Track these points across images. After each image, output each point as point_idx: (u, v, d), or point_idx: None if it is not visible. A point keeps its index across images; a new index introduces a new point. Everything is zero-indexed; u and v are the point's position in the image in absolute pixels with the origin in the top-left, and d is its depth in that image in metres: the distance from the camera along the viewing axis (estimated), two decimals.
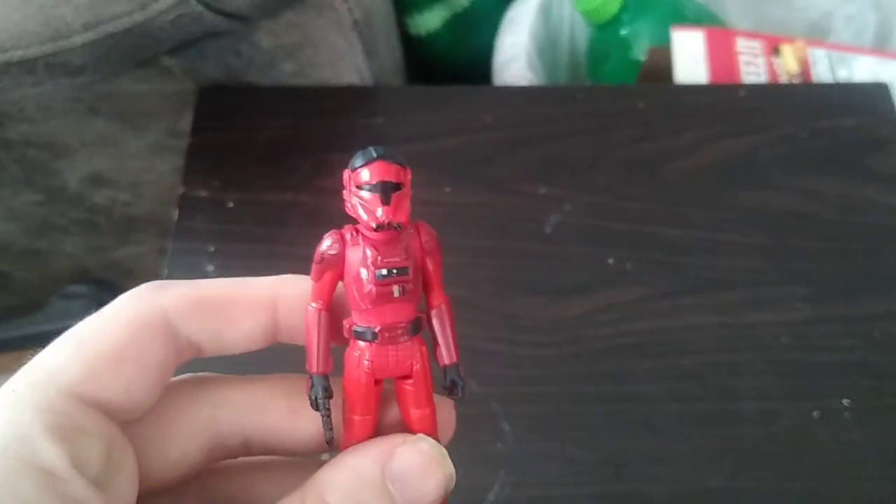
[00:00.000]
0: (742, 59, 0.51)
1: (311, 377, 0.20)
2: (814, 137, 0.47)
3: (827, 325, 0.41)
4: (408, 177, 0.19)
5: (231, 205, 0.44)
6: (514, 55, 0.55)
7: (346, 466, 0.18)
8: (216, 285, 0.20)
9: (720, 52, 0.51)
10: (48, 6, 0.37)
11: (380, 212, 0.18)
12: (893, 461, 0.37)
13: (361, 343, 0.19)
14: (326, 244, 0.20)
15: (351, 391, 0.20)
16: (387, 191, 0.18)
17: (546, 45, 0.59)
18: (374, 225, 0.18)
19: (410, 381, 0.20)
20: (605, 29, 0.58)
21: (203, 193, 0.44)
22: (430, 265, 0.20)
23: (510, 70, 0.55)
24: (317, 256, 0.20)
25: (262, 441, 0.20)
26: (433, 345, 0.21)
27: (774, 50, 0.52)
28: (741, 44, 0.52)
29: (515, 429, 0.38)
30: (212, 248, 0.43)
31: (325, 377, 0.20)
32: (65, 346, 0.18)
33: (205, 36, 0.43)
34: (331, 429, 0.20)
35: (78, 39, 0.38)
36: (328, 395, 0.19)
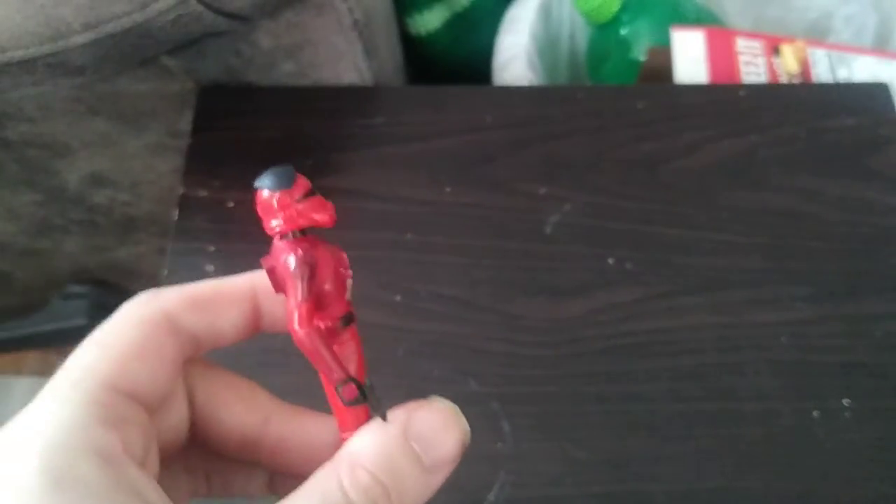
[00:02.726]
0: (742, 59, 0.51)
1: (360, 387, 0.20)
2: (814, 137, 0.47)
3: (827, 325, 0.41)
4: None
5: (231, 205, 0.44)
6: (515, 55, 0.55)
7: (372, 432, 0.19)
8: (202, 284, 0.21)
9: (720, 52, 0.51)
10: (48, 6, 0.37)
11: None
12: (893, 461, 0.37)
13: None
14: (299, 256, 0.21)
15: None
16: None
17: (546, 45, 0.59)
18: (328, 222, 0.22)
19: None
20: (605, 29, 0.58)
21: (203, 193, 0.44)
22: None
23: (510, 70, 0.55)
24: (302, 271, 0.21)
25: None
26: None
27: (774, 50, 0.52)
28: (741, 44, 0.52)
29: (515, 429, 0.38)
30: (212, 248, 0.43)
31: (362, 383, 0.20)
32: (90, 348, 0.19)
33: (205, 36, 0.43)
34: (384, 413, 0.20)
35: (78, 39, 0.38)
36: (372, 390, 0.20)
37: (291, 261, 0.20)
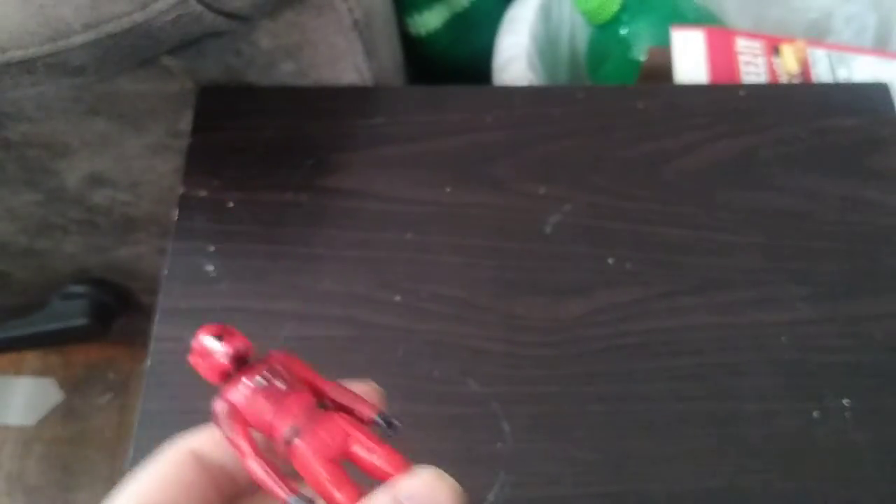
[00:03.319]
0: (742, 59, 0.51)
1: None
2: (814, 137, 0.47)
3: (827, 325, 0.41)
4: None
5: (231, 205, 0.44)
6: (515, 55, 0.55)
7: None
8: None
9: (720, 52, 0.51)
10: (48, 6, 0.37)
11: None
12: (893, 462, 0.37)
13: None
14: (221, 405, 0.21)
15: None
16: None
17: (546, 45, 0.59)
18: (225, 361, 0.21)
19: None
20: (605, 29, 0.58)
21: (203, 193, 0.44)
22: (298, 371, 0.22)
23: (510, 70, 0.55)
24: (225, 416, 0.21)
25: None
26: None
27: (774, 50, 0.52)
28: (741, 44, 0.52)
29: (515, 429, 0.38)
30: (211, 248, 0.43)
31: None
32: (125, 484, 0.21)
33: (205, 36, 0.43)
34: None
35: (78, 39, 0.38)
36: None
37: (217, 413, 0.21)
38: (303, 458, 0.20)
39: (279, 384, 0.21)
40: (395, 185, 0.45)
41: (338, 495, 0.19)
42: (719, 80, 0.51)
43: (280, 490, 0.19)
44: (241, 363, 0.21)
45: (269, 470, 0.20)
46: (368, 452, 0.20)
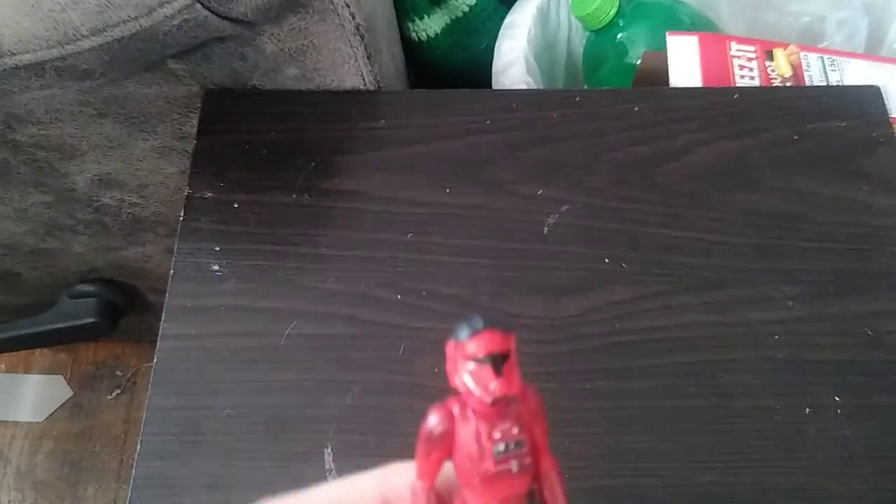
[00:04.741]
0: (736, 63, 0.52)
1: None
2: (806, 140, 0.47)
3: (819, 323, 0.41)
4: (513, 343, 0.18)
5: (236, 206, 0.45)
6: (513, 59, 0.56)
7: None
8: (320, 497, 0.19)
9: (714, 56, 0.52)
10: (56, 11, 0.37)
11: (493, 386, 0.17)
12: (883, 457, 0.38)
13: None
14: (434, 421, 0.18)
15: None
16: (497, 363, 0.17)
17: (544, 50, 0.60)
18: (489, 400, 0.17)
19: None
20: (601, 34, 0.59)
21: (209, 194, 0.45)
22: (538, 431, 0.19)
23: (509, 74, 0.56)
24: (424, 434, 0.18)
25: None
26: None
27: (768, 54, 0.52)
28: (735, 48, 0.52)
29: None
30: (217, 248, 0.43)
31: None
32: None
33: (210, 41, 0.43)
34: None
35: (86, 44, 0.38)
36: None
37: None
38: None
39: (512, 465, 0.18)
40: (397, 186, 0.46)
41: None
42: (713, 83, 0.51)
43: None
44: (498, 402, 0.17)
45: None
46: None
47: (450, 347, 0.18)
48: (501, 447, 0.17)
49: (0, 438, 0.90)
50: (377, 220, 0.44)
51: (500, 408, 0.18)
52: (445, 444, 0.18)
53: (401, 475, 0.19)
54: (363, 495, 0.19)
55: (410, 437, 0.20)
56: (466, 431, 0.18)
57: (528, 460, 0.18)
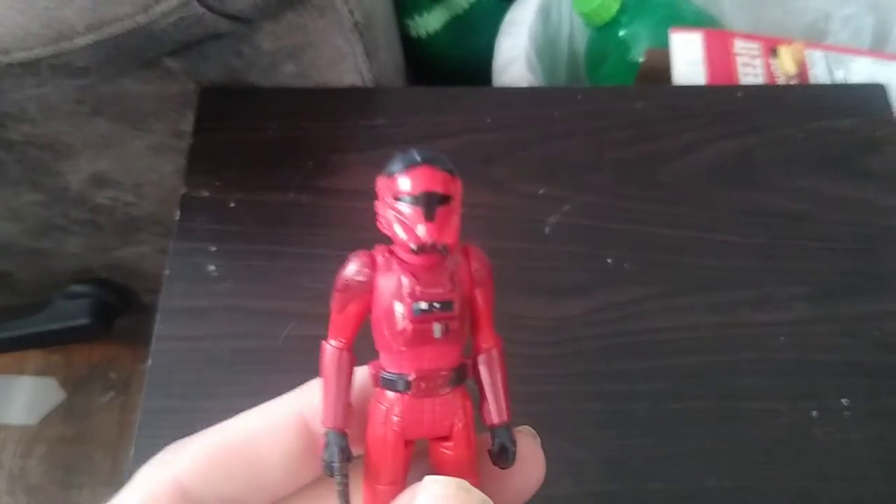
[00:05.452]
0: (740, 60, 0.51)
1: (325, 434, 0.16)
2: (811, 138, 0.47)
3: (825, 324, 0.41)
4: (458, 188, 0.16)
5: (232, 205, 0.44)
6: (514, 57, 0.55)
7: None
8: (232, 428, 0.18)
9: (718, 53, 0.52)
10: (51, 8, 0.37)
11: (421, 230, 0.15)
12: (891, 461, 0.38)
13: (390, 394, 0.16)
14: (352, 268, 0.16)
15: (375, 454, 0.16)
16: (431, 204, 0.15)
17: (545, 47, 0.59)
18: (413, 246, 0.15)
19: (450, 443, 0.16)
20: (603, 31, 0.59)
21: (204, 194, 0.45)
22: (479, 299, 0.17)
23: (510, 71, 0.55)
24: (340, 283, 0.16)
25: None
26: (479, 398, 0.17)
27: (772, 51, 0.52)
28: (739, 45, 0.52)
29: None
30: (213, 248, 0.43)
31: (344, 435, 0.16)
32: None
33: (207, 38, 0.43)
34: (348, 501, 0.16)
35: (81, 41, 0.38)
36: (346, 458, 0.16)
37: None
38: (382, 418, 0.15)
39: (435, 328, 0.15)
40: None
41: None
42: (717, 81, 0.51)
43: (331, 413, 0.15)
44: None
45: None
46: (455, 466, 0.16)
47: (380, 183, 0.16)
48: (423, 305, 0.15)
49: None
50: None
51: (429, 260, 0.15)
52: (363, 297, 0.16)
53: (318, 391, 0.17)
54: (280, 414, 0.17)
55: None
56: (387, 283, 0.15)
57: (454, 325, 0.15)
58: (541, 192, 0.45)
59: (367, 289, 0.16)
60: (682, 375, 0.40)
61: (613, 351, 0.40)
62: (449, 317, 0.15)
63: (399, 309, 0.15)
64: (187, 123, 0.48)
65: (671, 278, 0.42)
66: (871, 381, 0.39)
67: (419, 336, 0.15)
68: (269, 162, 0.46)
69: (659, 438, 0.38)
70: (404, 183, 0.15)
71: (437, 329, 0.15)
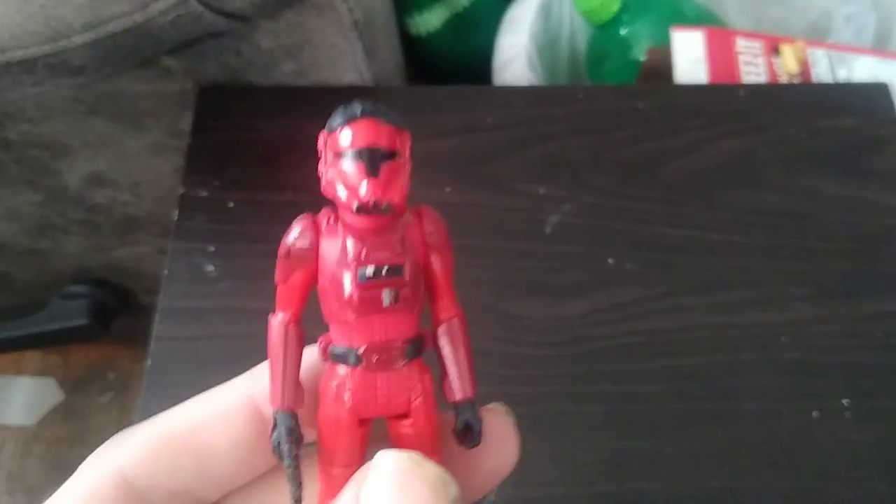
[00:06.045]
0: (742, 59, 0.51)
1: (274, 415, 0.15)
2: (813, 137, 0.47)
3: (827, 324, 0.41)
4: (405, 142, 0.14)
5: (231, 204, 0.44)
6: (514, 55, 0.55)
7: None
8: (178, 417, 0.16)
9: (720, 52, 0.51)
10: (48, 6, 0.37)
11: (364, 188, 0.13)
12: (893, 461, 0.37)
13: (341, 369, 0.15)
14: (294, 234, 0.15)
15: (328, 434, 0.15)
16: (375, 160, 0.14)
17: (546, 45, 0.59)
18: (355, 206, 0.13)
19: (409, 421, 0.15)
20: (604, 29, 0.58)
21: (203, 193, 0.44)
22: (435, 265, 0.15)
23: (510, 70, 0.55)
24: (282, 250, 0.15)
25: None
26: (440, 373, 0.16)
27: (774, 50, 0.52)
28: (741, 44, 0.52)
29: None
30: (212, 248, 0.43)
31: (293, 415, 0.15)
32: None
33: (205, 36, 0.43)
34: (300, 485, 0.14)
35: (78, 39, 0.38)
36: (295, 439, 0.14)
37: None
38: (333, 395, 0.14)
39: (384, 295, 0.14)
40: None
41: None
42: (719, 80, 0.51)
43: (279, 392, 0.14)
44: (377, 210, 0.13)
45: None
46: (415, 445, 0.14)
47: (321, 140, 0.15)
48: (370, 270, 0.14)
49: None
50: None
51: (375, 222, 0.14)
52: (307, 264, 0.15)
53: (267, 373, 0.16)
54: (228, 400, 0.16)
55: None
56: (331, 248, 0.14)
57: (405, 292, 0.14)
58: (541, 191, 0.45)
59: (310, 255, 0.15)
60: (683, 376, 0.40)
61: (614, 351, 0.40)
62: (399, 283, 0.14)
63: (344, 275, 0.14)
64: (186, 122, 0.48)
65: (672, 278, 0.42)
66: (872, 382, 0.39)
67: (367, 304, 0.14)
68: (268, 161, 0.46)
69: (660, 439, 0.38)
70: (345, 137, 0.14)
71: (386, 296, 0.14)
